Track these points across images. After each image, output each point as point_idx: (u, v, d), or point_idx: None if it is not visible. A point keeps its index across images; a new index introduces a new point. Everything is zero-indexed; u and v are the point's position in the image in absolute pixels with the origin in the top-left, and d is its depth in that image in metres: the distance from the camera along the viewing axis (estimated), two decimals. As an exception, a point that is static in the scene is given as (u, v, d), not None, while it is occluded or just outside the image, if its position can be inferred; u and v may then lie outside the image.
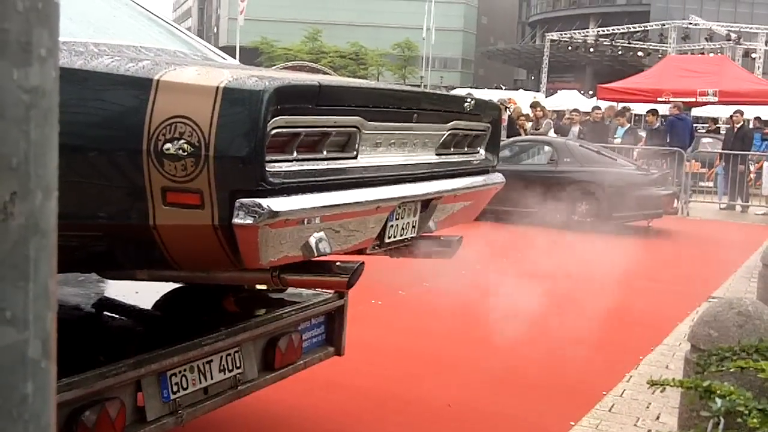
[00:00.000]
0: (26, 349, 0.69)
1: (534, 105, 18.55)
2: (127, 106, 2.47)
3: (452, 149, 3.66)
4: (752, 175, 18.56)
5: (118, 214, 2.54)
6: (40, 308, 0.70)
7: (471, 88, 37.22)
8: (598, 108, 18.50)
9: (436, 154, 3.52)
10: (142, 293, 3.64)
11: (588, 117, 17.81)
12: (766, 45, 36.40)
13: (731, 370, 2.30)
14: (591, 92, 37.87)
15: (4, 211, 0.67)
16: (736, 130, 16.85)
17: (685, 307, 7.35)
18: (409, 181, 3.23)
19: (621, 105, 20.69)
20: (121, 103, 2.49)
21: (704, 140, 20.97)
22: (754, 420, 1.96)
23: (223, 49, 4.85)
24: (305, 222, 2.56)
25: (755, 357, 2.30)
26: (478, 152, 3.91)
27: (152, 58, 2.91)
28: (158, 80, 2.43)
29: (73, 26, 3.06)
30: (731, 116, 17.69)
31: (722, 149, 16.77)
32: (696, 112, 27.56)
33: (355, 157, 2.89)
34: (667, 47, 37.87)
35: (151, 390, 2.87)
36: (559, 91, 40.85)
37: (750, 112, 22.71)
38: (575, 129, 16.67)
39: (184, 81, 2.46)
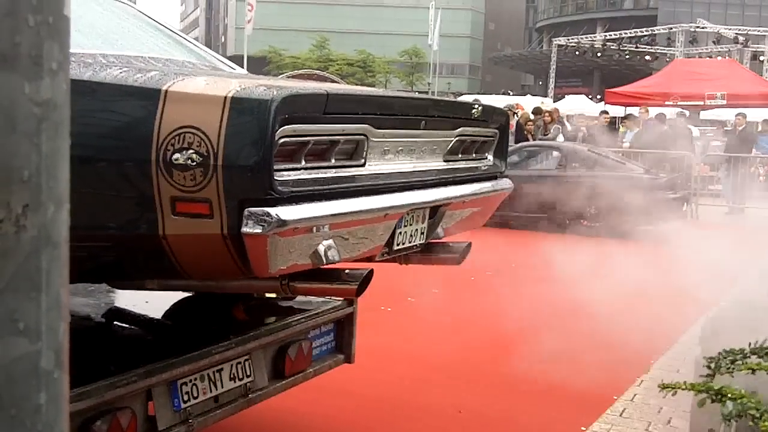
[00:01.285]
0: (39, 360, 0.70)
1: (536, 111, 18.54)
2: (136, 117, 2.48)
3: (460, 155, 3.66)
4: (761, 178, 18.49)
5: (128, 224, 2.55)
6: (52, 319, 0.70)
7: (479, 94, 37.22)
8: (606, 112, 18.48)
9: (444, 161, 3.52)
10: (152, 303, 3.65)
11: (595, 121, 17.80)
12: (774, 47, 36.28)
13: (742, 372, 2.29)
14: (599, 97, 37.81)
15: (17, 223, 0.67)
16: (738, 132, 16.75)
17: (697, 310, 7.32)
18: (418, 188, 3.24)
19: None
20: (129, 113, 2.50)
21: (714, 143, 20.91)
22: (766, 423, 1.96)
23: (230, 58, 4.87)
24: (314, 230, 2.57)
25: (765, 359, 2.29)
26: (486, 158, 3.91)
27: (160, 69, 2.92)
28: (166, 90, 2.45)
29: (82, 38, 3.08)
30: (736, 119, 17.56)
31: (725, 152, 16.65)
32: (704, 115, 27.52)
33: (363, 165, 2.90)
34: (674, 51, 37.78)
35: (161, 399, 2.88)
36: (566, 96, 40.79)
37: (757, 114, 22.69)
38: (579, 134, 16.67)
39: (192, 91, 2.47)
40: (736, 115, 17.51)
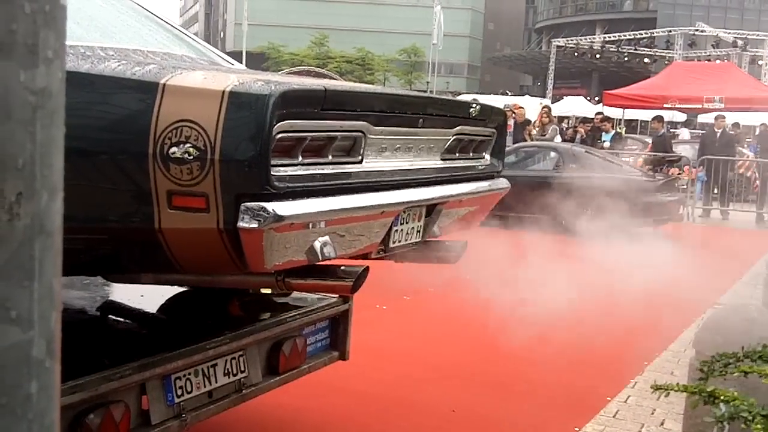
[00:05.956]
0: (30, 349, 0.70)
1: (546, 111, 18.58)
2: (134, 110, 2.48)
3: (457, 154, 3.66)
4: (758, 182, 18.49)
5: (124, 218, 2.54)
6: (44, 308, 0.70)
7: (477, 93, 37.26)
8: (600, 113, 18.55)
9: (441, 159, 3.52)
10: (148, 297, 3.64)
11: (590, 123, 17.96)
12: (772, 52, 36.33)
13: (735, 375, 2.30)
14: (597, 98, 37.86)
15: (10, 211, 0.67)
16: (719, 135, 16.65)
17: (691, 313, 7.33)
18: (414, 186, 3.24)
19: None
20: (127, 106, 2.50)
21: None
22: (758, 426, 1.96)
23: (230, 54, 4.87)
24: (310, 226, 2.57)
25: (759, 362, 2.30)
26: (483, 157, 3.91)
27: (158, 62, 2.92)
28: (164, 84, 2.44)
29: (80, 30, 3.08)
30: (722, 121, 17.30)
31: (703, 155, 16.44)
32: (702, 118, 27.55)
33: (361, 162, 2.90)
34: (673, 54, 37.82)
35: (155, 393, 2.88)
36: (565, 97, 40.83)
37: (755, 118, 22.67)
38: (577, 136, 16.79)
39: (190, 85, 2.47)
40: (717, 117, 17.39)
